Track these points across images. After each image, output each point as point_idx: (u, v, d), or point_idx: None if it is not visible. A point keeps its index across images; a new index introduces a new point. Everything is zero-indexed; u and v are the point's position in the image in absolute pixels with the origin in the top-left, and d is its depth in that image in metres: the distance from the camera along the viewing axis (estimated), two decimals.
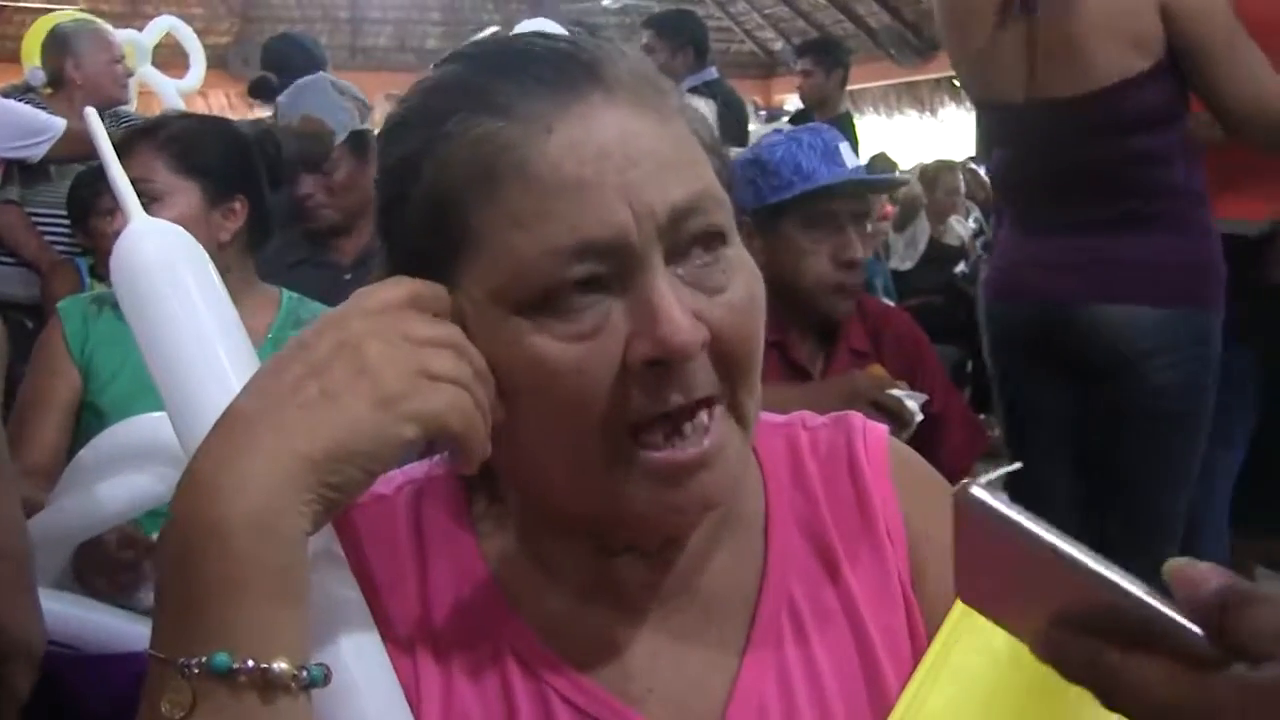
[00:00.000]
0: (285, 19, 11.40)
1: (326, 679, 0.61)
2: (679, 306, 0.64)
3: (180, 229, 0.87)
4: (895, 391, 1.83)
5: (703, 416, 0.67)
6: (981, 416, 3.00)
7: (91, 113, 1.04)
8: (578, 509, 0.71)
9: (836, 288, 1.94)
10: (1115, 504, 2.33)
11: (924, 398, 1.85)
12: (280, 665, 0.58)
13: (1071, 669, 0.51)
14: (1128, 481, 2.30)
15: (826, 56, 5.48)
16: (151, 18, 5.29)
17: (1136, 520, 2.29)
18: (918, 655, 0.74)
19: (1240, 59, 2.09)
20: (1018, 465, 1.48)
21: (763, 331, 0.70)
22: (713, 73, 4.63)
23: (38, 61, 4.57)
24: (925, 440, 1.98)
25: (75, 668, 1.46)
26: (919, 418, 1.82)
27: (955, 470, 2.01)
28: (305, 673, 0.59)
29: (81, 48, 3.81)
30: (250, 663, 0.57)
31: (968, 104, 2.44)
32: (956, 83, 2.37)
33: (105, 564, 1.54)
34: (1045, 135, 2.24)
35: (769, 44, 13.73)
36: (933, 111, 12.63)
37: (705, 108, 3.30)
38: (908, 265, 5.82)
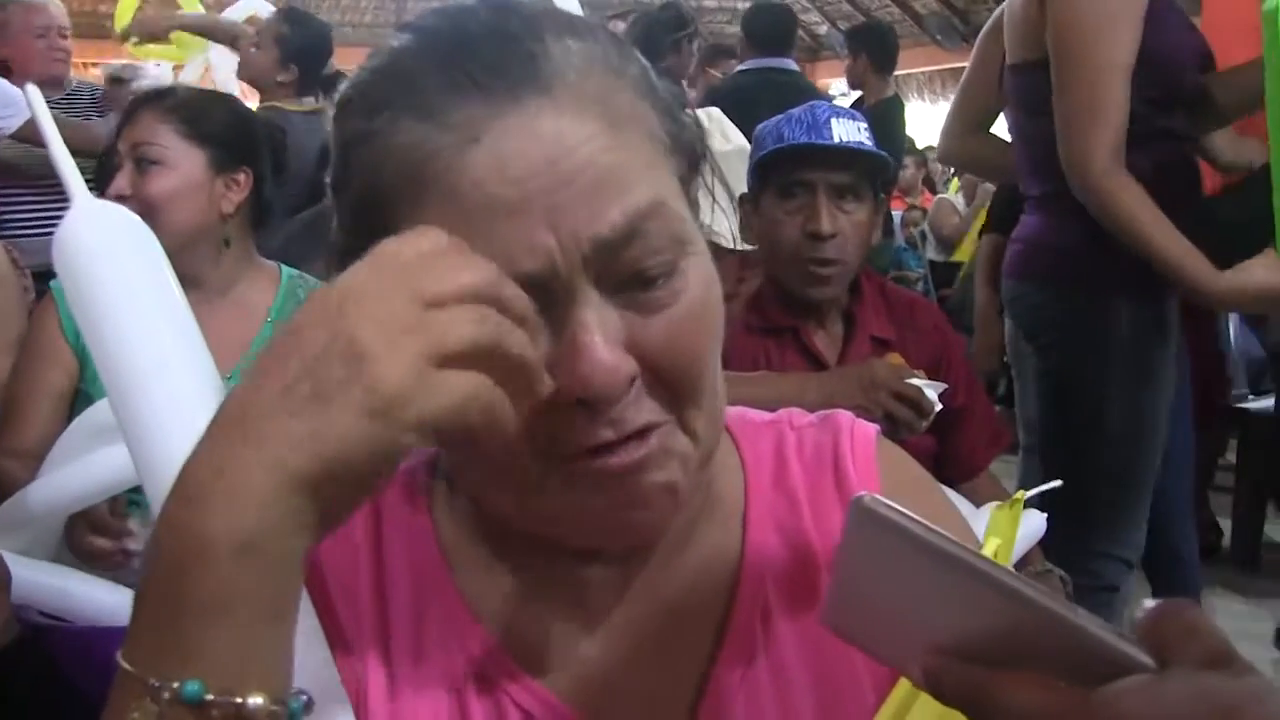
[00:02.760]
0: None
1: (308, 710, 0.55)
2: (604, 342, 0.58)
3: (128, 212, 0.82)
4: (914, 380, 1.79)
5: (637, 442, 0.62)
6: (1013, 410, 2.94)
7: (33, 89, 1.01)
8: (525, 525, 0.67)
9: (802, 260, 1.88)
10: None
11: (943, 386, 1.81)
12: (256, 700, 0.52)
13: (950, 697, 0.51)
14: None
15: (857, 41, 5.44)
16: None
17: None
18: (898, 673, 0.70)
19: (1069, 95, 2.03)
20: (1057, 483, 1.36)
21: (712, 344, 0.65)
22: (789, 63, 4.42)
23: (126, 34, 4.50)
24: (947, 437, 1.95)
25: (66, 640, 1.45)
26: (938, 407, 1.78)
27: (970, 466, 1.98)
28: (284, 708, 0.53)
29: (7, 19, 3.61)
30: (225, 697, 0.51)
31: None
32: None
33: (97, 531, 1.53)
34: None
35: (814, 28, 13.58)
36: None
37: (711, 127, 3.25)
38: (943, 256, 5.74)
